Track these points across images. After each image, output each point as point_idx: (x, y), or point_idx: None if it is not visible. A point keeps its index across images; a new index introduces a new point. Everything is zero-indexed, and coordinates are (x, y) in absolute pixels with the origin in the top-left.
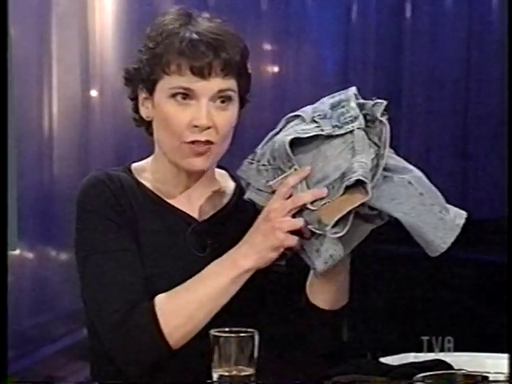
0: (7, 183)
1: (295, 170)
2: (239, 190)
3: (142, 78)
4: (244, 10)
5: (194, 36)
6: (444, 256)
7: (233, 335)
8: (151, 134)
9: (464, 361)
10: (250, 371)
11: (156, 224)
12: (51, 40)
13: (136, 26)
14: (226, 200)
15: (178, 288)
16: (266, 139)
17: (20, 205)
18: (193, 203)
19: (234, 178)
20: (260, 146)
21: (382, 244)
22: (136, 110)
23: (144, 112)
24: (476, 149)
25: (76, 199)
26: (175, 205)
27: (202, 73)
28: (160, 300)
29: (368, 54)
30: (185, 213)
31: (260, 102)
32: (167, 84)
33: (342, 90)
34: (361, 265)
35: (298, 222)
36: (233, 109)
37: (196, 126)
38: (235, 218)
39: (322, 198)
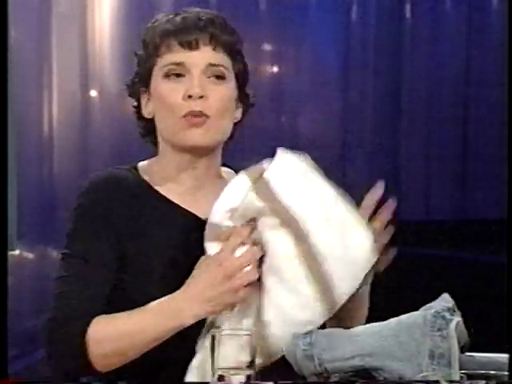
0: (7, 183)
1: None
2: None
3: (140, 76)
4: (244, 10)
5: (182, 16)
6: (444, 256)
7: (233, 335)
8: (155, 142)
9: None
10: (250, 371)
11: (161, 224)
12: (51, 40)
13: (136, 26)
14: None
15: (119, 321)
16: None
17: (20, 205)
18: (200, 202)
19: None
20: None
21: None
22: (140, 117)
23: (146, 111)
24: (476, 149)
25: (76, 197)
26: (181, 204)
27: (190, 45)
28: (95, 324)
29: (368, 55)
30: (191, 213)
31: (260, 102)
32: (160, 65)
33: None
34: None
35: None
36: (228, 86)
37: (190, 96)
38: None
39: None
